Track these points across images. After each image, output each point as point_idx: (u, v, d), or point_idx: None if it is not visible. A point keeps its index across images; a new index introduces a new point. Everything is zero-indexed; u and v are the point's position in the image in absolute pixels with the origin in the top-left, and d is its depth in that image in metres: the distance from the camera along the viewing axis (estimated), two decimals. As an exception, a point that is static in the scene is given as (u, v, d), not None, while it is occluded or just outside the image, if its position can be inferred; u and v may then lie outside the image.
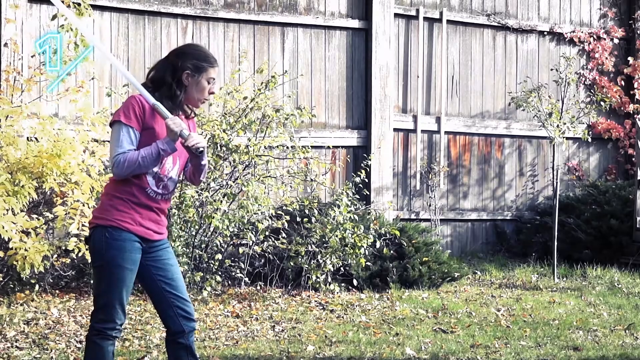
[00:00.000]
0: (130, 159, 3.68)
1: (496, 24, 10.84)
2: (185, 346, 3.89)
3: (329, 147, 9.45)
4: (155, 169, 3.79)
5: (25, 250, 6.18)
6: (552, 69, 10.59)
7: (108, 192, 3.83)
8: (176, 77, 3.82)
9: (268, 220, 7.85)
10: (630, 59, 11.47)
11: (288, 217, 7.98)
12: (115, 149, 3.71)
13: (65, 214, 6.41)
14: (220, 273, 7.77)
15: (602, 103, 9.73)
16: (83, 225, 6.35)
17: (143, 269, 3.87)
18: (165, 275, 3.88)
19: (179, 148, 3.83)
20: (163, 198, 3.86)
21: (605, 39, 11.40)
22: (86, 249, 6.47)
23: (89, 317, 6.48)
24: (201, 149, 3.75)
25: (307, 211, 8.06)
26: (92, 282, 7.39)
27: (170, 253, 3.94)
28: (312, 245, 7.88)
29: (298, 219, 8.09)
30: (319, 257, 7.88)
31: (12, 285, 7.21)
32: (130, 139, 3.72)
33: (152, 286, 3.89)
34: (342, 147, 9.80)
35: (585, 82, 11.36)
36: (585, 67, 11.36)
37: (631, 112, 11.41)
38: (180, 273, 3.96)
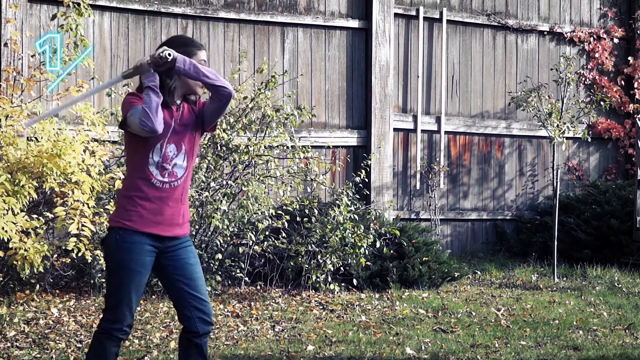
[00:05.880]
0: (136, 108, 3.73)
1: (496, 24, 10.84)
2: (197, 345, 3.95)
3: (329, 147, 9.45)
4: (157, 158, 3.81)
5: (25, 250, 6.18)
6: (552, 69, 10.59)
7: (120, 192, 3.90)
8: None
9: (268, 220, 7.84)
10: (630, 58, 11.47)
11: (288, 217, 7.98)
12: (129, 119, 3.75)
13: (65, 214, 6.40)
14: (220, 273, 7.77)
15: (602, 103, 9.73)
16: (83, 226, 6.35)
17: (162, 269, 3.90)
18: (185, 275, 3.89)
19: (181, 132, 3.87)
20: (172, 186, 3.86)
21: (605, 39, 11.40)
22: (86, 249, 6.47)
23: (90, 317, 6.52)
24: (166, 53, 3.72)
25: (307, 211, 8.06)
26: (92, 281, 7.40)
27: (191, 252, 3.94)
28: (312, 245, 7.88)
29: (298, 219, 8.08)
30: (319, 257, 7.88)
31: (12, 285, 7.21)
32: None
33: (171, 286, 3.91)
34: (342, 147, 9.80)
35: (585, 82, 11.36)
36: (585, 67, 11.36)
37: (631, 112, 11.41)
38: (201, 272, 3.96)
